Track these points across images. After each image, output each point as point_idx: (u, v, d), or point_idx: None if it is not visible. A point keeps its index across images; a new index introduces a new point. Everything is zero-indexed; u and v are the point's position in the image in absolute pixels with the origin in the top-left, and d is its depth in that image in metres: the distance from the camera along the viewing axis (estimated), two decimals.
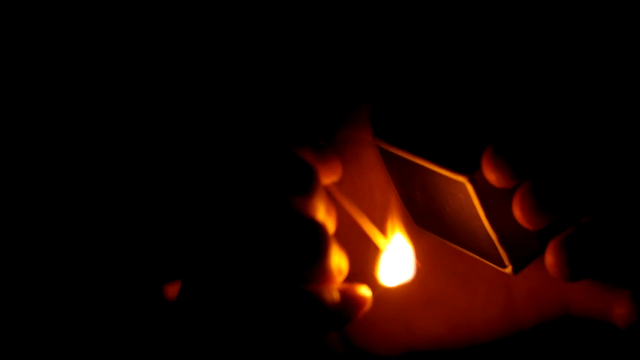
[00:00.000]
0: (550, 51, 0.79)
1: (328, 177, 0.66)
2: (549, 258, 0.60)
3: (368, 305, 0.65)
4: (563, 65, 0.77)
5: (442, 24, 0.83)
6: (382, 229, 0.70)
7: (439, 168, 0.62)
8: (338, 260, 0.62)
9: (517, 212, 0.59)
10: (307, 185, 0.61)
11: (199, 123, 0.85)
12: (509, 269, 0.65)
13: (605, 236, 0.59)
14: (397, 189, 0.71)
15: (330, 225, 0.65)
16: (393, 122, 0.68)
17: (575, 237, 0.59)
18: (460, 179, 0.61)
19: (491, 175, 0.59)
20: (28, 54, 0.83)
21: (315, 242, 0.60)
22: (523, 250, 0.64)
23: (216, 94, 0.85)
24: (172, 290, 0.73)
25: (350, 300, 0.64)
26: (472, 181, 0.61)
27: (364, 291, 0.64)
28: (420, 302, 0.72)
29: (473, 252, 0.67)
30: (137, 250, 0.82)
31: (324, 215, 0.63)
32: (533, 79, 0.68)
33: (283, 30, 0.84)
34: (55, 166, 0.83)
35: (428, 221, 0.70)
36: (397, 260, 0.69)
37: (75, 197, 0.82)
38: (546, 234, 0.63)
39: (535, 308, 0.71)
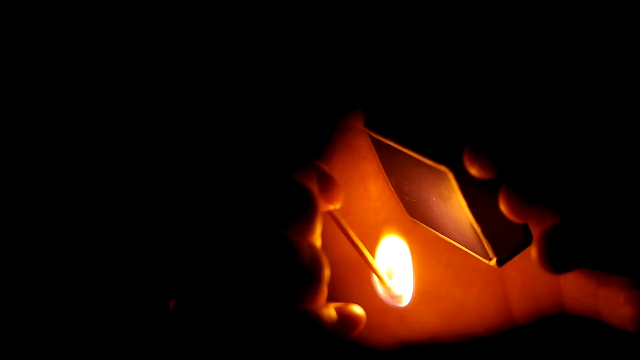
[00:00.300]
0: (533, 49, 0.80)
1: (329, 204, 0.66)
2: (533, 250, 0.60)
3: (363, 323, 0.66)
4: (546, 62, 0.78)
5: (434, 20, 0.83)
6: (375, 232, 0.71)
7: (424, 157, 0.63)
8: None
9: (503, 205, 0.60)
10: (308, 212, 0.62)
11: (197, 130, 0.85)
12: (493, 262, 0.65)
13: (589, 228, 0.59)
14: (389, 178, 0.71)
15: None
16: (384, 112, 0.69)
17: (559, 229, 0.59)
18: (443, 168, 0.62)
19: (472, 168, 0.60)
20: (28, 54, 0.84)
21: (315, 267, 0.61)
22: (508, 242, 0.65)
23: (213, 96, 0.86)
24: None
25: (346, 319, 0.65)
26: (454, 171, 0.61)
27: (358, 310, 0.66)
28: (415, 294, 0.73)
29: (460, 244, 0.68)
30: (136, 260, 0.82)
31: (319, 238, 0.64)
32: (517, 75, 0.68)
33: (276, 23, 0.85)
34: (55, 171, 0.83)
35: (418, 212, 0.70)
36: (393, 287, 0.70)
37: (73, 204, 0.83)
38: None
39: (529, 302, 0.71)
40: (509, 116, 0.62)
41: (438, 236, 0.70)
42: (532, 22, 0.81)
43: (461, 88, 0.67)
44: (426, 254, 0.73)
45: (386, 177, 0.71)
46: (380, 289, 0.70)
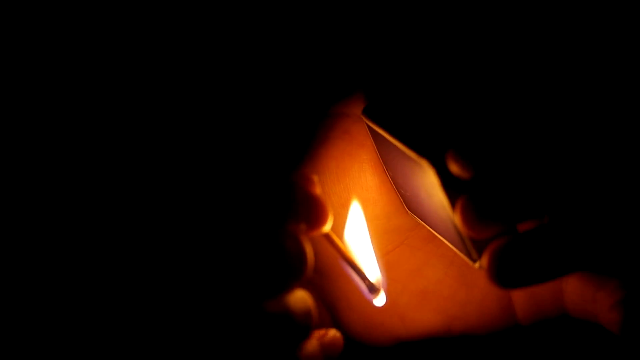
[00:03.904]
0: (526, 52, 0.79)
1: (318, 230, 0.63)
2: (484, 264, 0.60)
3: (341, 344, 0.66)
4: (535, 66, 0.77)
5: (434, 20, 0.83)
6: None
7: (408, 149, 0.63)
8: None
9: (459, 223, 0.59)
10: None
11: (194, 126, 0.85)
12: (477, 264, 0.63)
13: (533, 251, 0.59)
14: (387, 170, 0.70)
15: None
16: (381, 101, 0.68)
17: (506, 247, 0.59)
18: (424, 162, 0.61)
19: (452, 165, 0.60)
20: (28, 54, 0.83)
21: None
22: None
23: (211, 92, 0.85)
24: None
25: (327, 346, 0.66)
26: (435, 165, 0.61)
27: (335, 333, 0.66)
28: (417, 293, 0.72)
29: (449, 242, 0.66)
30: (131, 254, 0.82)
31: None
32: (511, 78, 0.68)
33: (277, 16, 0.84)
34: (55, 167, 0.83)
35: (413, 206, 0.69)
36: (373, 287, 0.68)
37: (73, 201, 0.82)
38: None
39: (532, 305, 0.70)
40: (493, 124, 0.62)
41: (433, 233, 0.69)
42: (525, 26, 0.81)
43: (458, 86, 0.66)
44: (428, 251, 0.72)
45: (384, 168, 0.70)
46: (361, 287, 0.68)
